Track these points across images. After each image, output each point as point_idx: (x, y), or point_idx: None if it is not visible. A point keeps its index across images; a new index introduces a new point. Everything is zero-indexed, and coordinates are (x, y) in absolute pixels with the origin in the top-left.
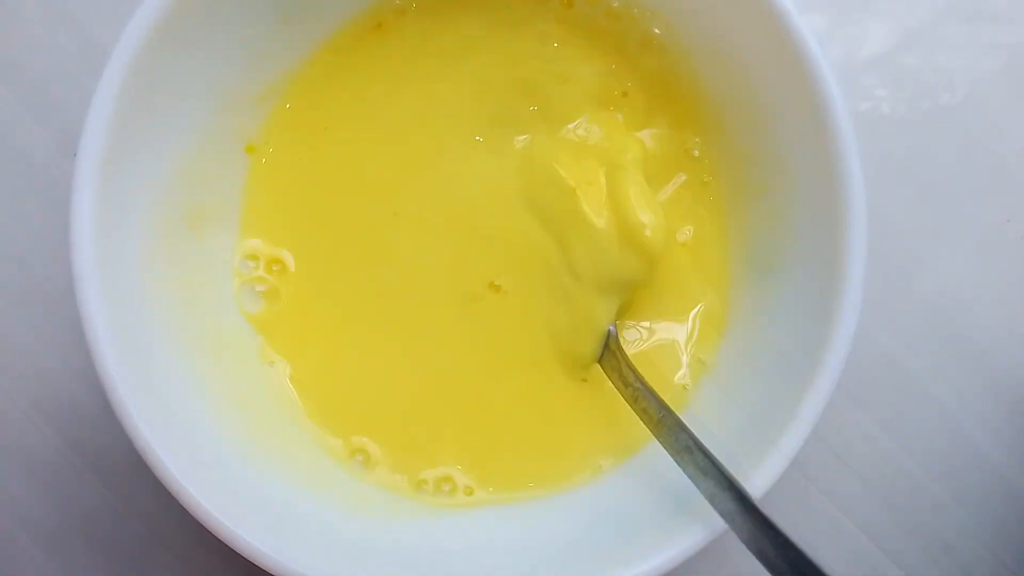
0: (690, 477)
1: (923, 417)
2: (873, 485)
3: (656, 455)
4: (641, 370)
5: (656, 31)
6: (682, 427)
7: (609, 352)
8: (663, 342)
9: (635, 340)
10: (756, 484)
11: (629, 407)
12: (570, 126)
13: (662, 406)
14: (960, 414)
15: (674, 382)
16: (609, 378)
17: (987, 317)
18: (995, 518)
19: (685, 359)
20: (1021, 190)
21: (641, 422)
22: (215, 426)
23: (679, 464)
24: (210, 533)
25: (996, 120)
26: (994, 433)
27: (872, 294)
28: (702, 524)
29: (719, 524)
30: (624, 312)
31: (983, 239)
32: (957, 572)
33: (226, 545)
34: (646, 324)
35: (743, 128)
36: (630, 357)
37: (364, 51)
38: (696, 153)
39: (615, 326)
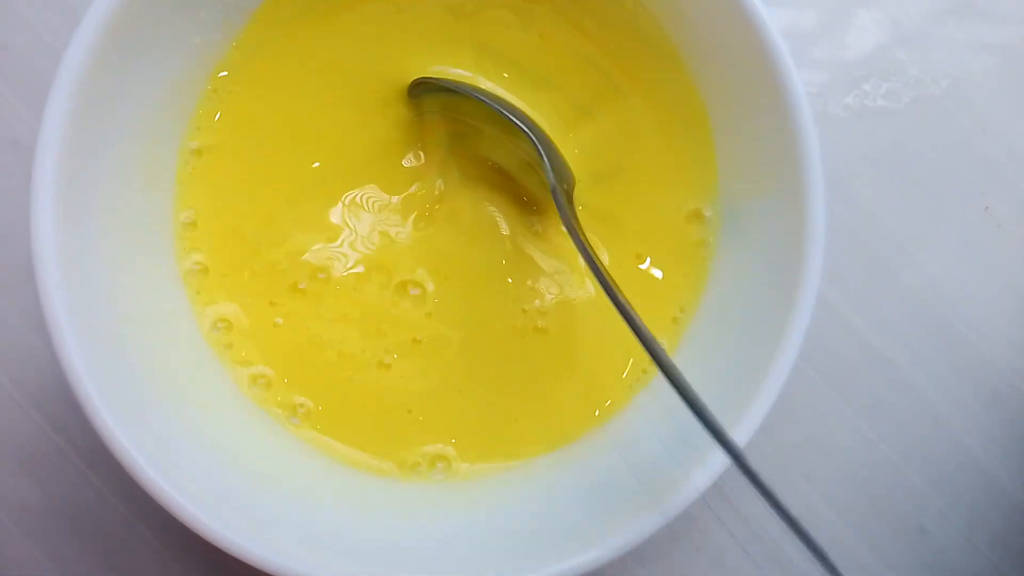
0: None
1: (902, 405)
2: (851, 470)
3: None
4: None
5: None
6: (621, 302)
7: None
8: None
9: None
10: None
11: None
12: None
13: (606, 278)
14: (939, 402)
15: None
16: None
17: (968, 307)
18: (971, 505)
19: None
20: (1001, 181)
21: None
22: (187, 424)
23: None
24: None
25: (980, 115)
26: (972, 421)
27: (853, 282)
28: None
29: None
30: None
31: (965, 230)
32: (932, 557)
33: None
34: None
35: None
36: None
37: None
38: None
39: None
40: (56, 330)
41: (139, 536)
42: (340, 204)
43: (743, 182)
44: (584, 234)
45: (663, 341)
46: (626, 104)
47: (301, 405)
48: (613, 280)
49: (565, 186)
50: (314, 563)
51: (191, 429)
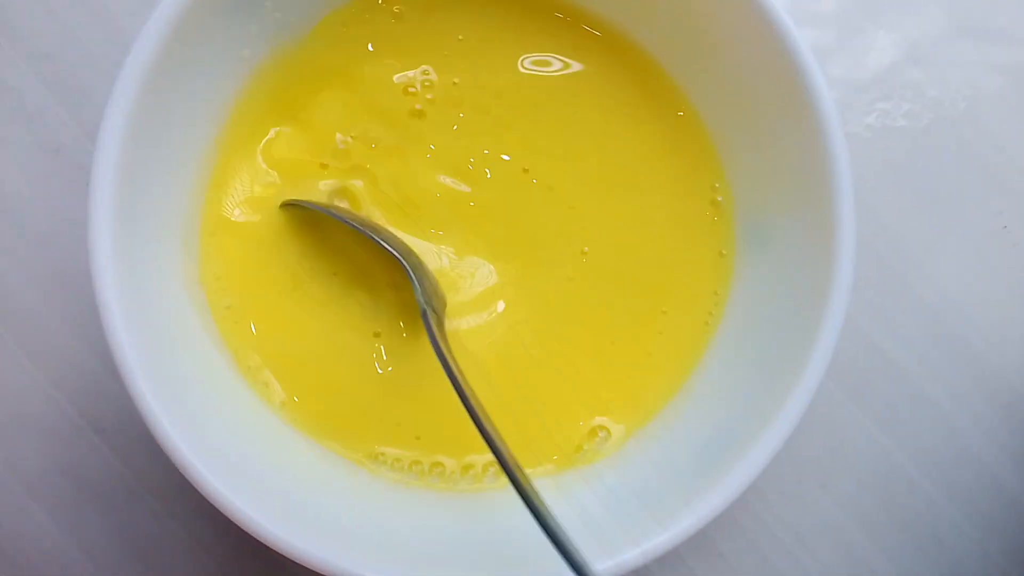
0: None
1: (918, 415)
2: (867, 480)
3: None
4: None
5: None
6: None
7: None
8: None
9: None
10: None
11: None
12: None
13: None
14: (954, 413)
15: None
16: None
17: (982, 320)
18: (986, 515)
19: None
20: (1017, 200)
21: None
22: (240, 426)
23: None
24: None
25: (995, 134)
26: (986, 432)
27: (871, 296)
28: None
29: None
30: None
31: (980, 246)
32: (947, 567)
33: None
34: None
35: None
36: None
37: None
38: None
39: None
40: (112, 333)
41: (168, 530)
42: None
43: (771, 196)
44: (451, 355)
45: (690, 350)
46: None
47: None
48: (482, 408)
49: (435, 305)
50: (358, 561)
51: (235, 429)
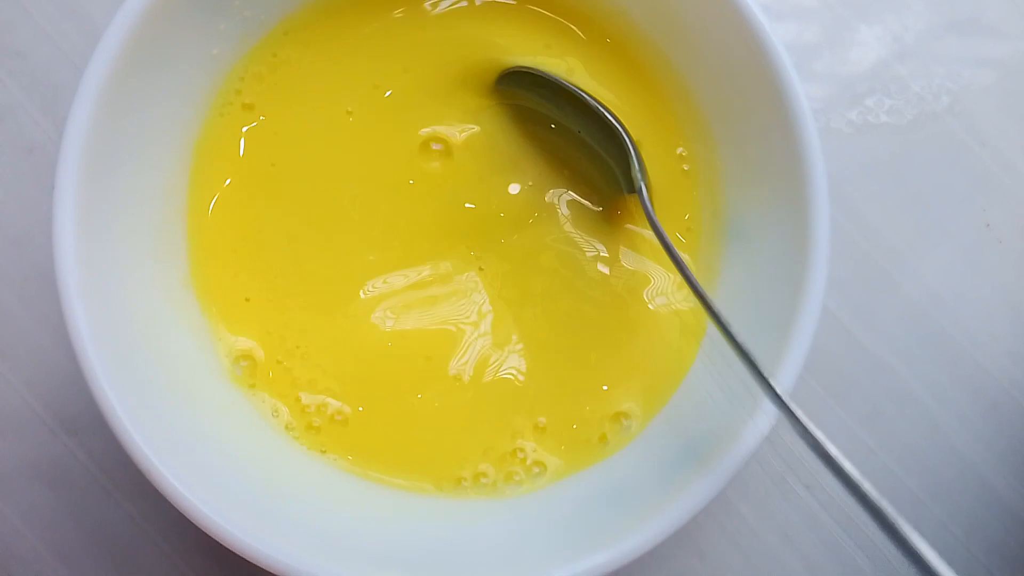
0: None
1: (902, 414)
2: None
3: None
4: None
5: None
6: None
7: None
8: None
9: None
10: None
11: None
12: None
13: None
14: (938, 412)
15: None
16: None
17: (967, 319)
18: (970, 514)
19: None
20: (1002, 196)
21: None
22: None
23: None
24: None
25: (980, 129)
26: (971, 431)
27: (855, 293)
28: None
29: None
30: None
31: (965, 244)
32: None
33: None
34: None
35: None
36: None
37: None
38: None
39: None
40: (76, 334)
41: (145, 535)
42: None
43: (749, 194)
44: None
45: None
46: None
47: (338, 411)
48: (697, 282)
49: (647, 183)
50: (329, 567)
51: (204, 434)
